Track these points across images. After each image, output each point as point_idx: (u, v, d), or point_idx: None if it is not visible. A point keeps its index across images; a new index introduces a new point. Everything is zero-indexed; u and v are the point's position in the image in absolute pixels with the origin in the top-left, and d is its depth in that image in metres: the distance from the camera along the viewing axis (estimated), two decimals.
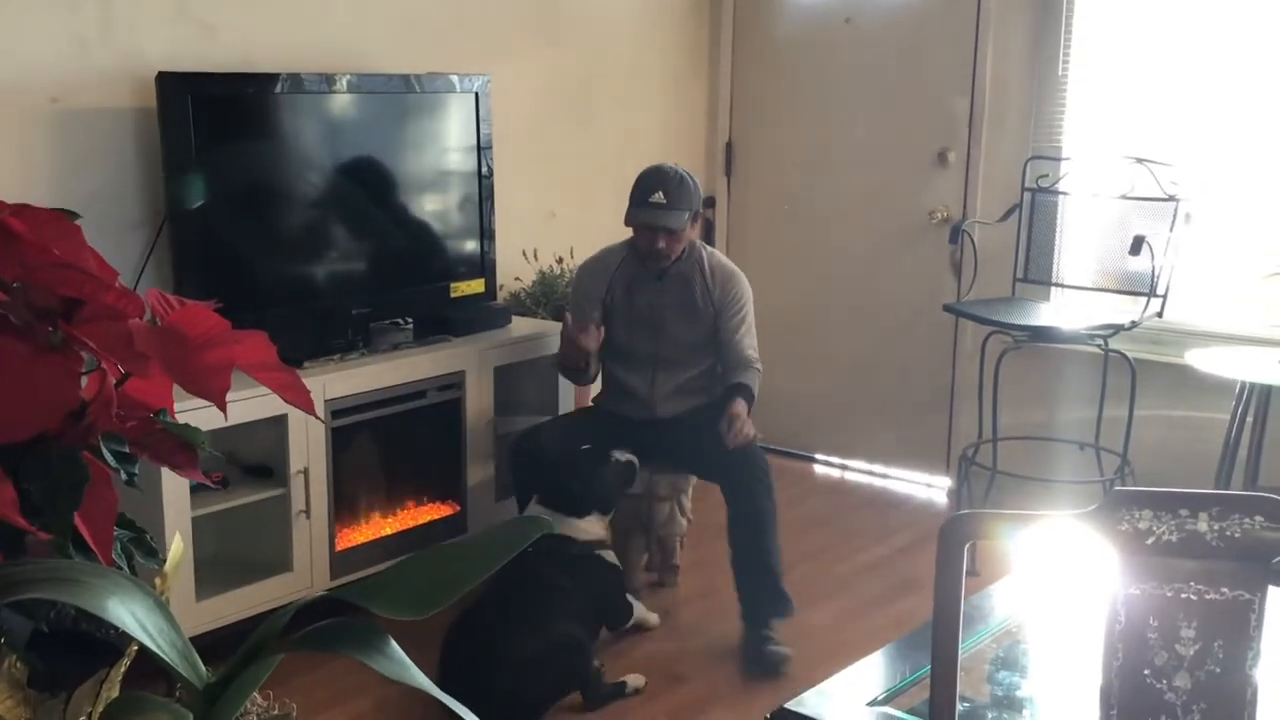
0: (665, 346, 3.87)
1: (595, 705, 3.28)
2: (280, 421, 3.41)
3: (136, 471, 1.12)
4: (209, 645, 1.03)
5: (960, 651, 2.55)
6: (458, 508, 4.00)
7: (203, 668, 0.94)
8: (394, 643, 0.97)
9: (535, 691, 3.18)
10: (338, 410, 3.60)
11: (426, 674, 0.95)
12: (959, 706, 2.36)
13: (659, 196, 3.69)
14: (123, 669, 1.12)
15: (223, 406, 1.06)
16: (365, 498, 3.84)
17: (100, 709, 1.05)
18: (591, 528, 3.55)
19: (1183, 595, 1.50)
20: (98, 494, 1.10)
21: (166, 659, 0.91)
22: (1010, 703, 2.35)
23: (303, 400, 1.18)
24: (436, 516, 3.98)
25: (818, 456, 5.41)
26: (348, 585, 0.96)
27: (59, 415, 1.08)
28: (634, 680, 3.40)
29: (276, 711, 1.00)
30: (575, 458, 3.62)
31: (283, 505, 3.51)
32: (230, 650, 1.04)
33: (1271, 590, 1.50)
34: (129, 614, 0.91)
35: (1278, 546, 1.47)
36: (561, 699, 3.26)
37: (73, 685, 1.09)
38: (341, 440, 3.64)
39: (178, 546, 1.15)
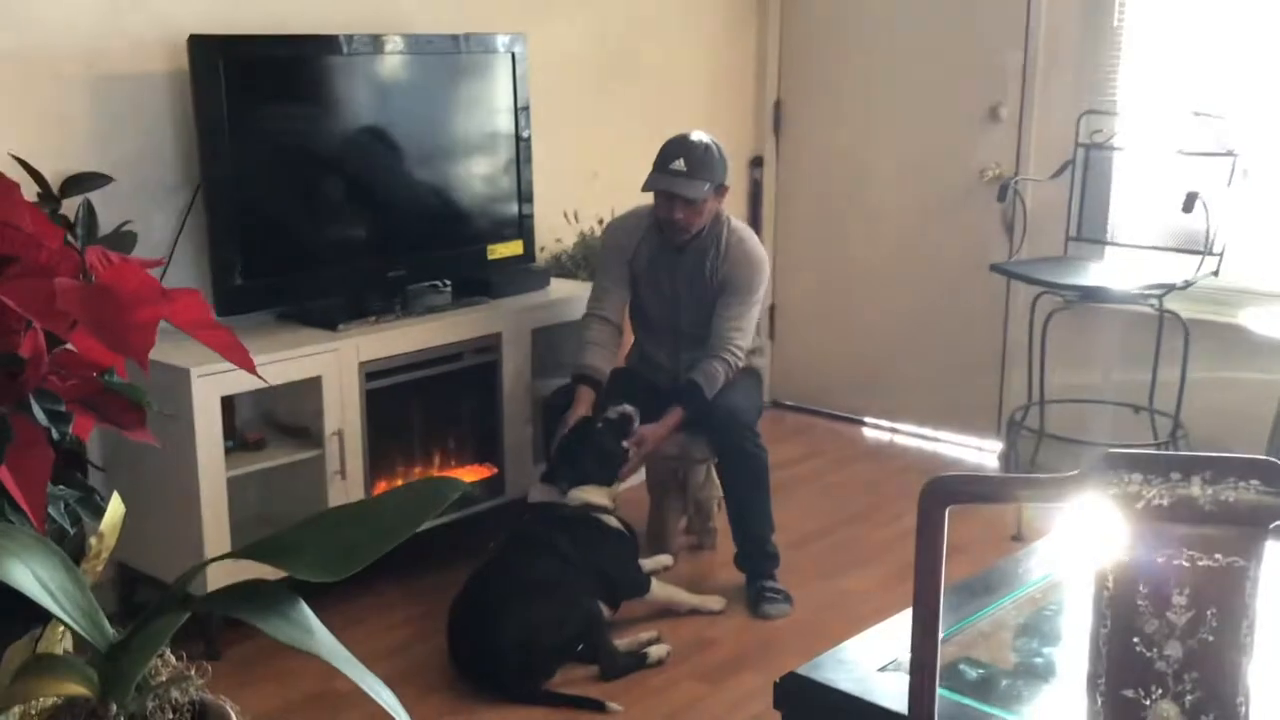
0: (685, 323, 3.81)
1: (613, 676, 3.22)
2: (315, 383, 3.44)
3: (69, 430, 1.11)
4: None
5: (982, 617, 2.51)
6: (495, 470, 4.01)
7: (109, 628, 0.93)
8: (305, 607, 0.95)
9: (529, 651, 3.13)
10: (373, 372, 3.60)
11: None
12: (976, 673, 2.32)
13: (679, 164, 3.61)
14: (61, 628, 1.12)
15: (144, 364, 1.05)
16: (401, 459, 3.85)
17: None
18: (585, 495, 3.51)
19: (1174, 562, 1.44)
20: (31, 453, 1.09)
21: (69, 619, 0.91)
22: (1029, 669, 2.30)
23: (242, 360, 1.17)
24: (474, 479, 3.98)
25: (866, 419, 5.34)
26: (255, 544, 0.94)
27: None
28: (657, 651, 3.32)
29: (194, 674, 0.99)
30: (565, 431, 3.64)
31: (318, 466, 3.53)
32: None
33: (1269, 553, 1.43)
34: (30, 575, 0.90)
35: (1275, 511, 1.41)
36: (562, 657, 3.21)
37: (5, 643, 1.09)
38: (377, 402, 3.64)
39: (115, 506, 1.15)
